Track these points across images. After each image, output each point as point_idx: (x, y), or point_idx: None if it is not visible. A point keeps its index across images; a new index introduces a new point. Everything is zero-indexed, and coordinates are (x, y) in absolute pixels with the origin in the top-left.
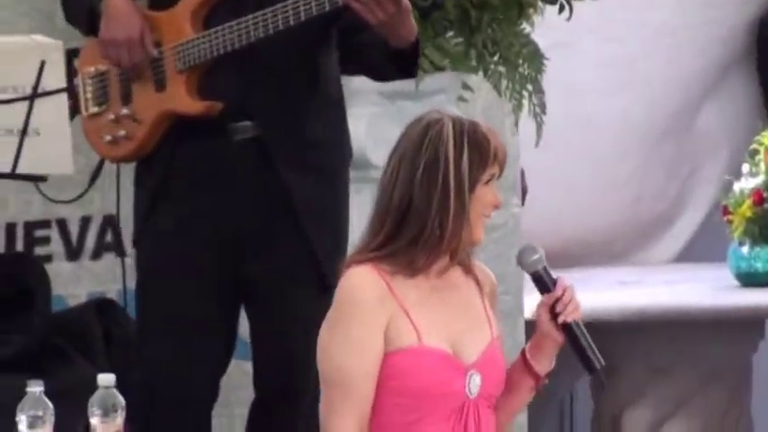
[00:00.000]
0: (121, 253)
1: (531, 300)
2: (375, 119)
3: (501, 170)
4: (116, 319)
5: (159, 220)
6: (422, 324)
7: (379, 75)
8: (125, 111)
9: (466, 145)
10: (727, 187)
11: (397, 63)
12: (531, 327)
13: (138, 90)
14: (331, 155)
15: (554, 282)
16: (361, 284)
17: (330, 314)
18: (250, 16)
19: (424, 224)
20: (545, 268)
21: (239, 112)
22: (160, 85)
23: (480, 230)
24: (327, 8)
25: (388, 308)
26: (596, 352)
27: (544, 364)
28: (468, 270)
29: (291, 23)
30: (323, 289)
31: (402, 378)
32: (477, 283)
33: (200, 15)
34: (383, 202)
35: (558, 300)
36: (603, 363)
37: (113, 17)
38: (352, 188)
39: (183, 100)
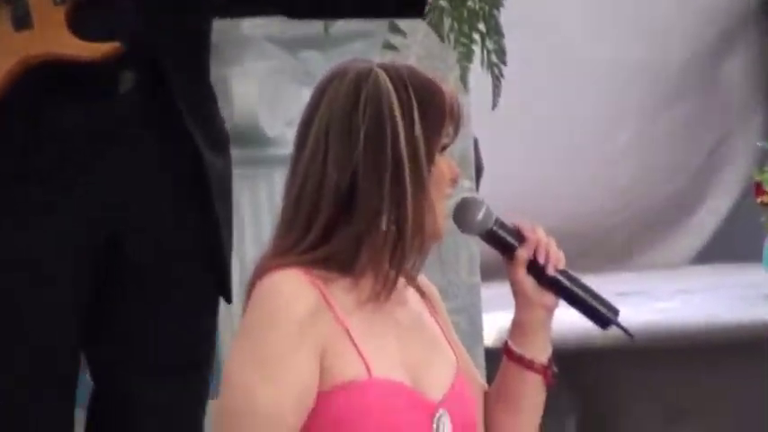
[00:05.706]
0: None
1: (492, 319)
2: (271, 76)
3: (456, 131)
4: None
5: (17, 212)
6: (369, 348)
7: (378, 10)
8: None
9: (414, 99)
10: (763, 159)
11: None
12: (492, 357)
13: None
14: (220, 118)
15: (517, 231)
16: (289, 293)
17: (241, 330)
18: None
19: (376, 213)
20: (497, 220)
21: (133, 57)
22: (22, 22)
23: (443, 216)
24: None
25: (324, 326)
26: (603, 298)
27: (542, 346)
28: (410, 279)
29: None
30: (220, 292)
31: (347, 425)
32: (423, 296)
33: None
34: (310, 190)
35: (536, 248)
36: (618, 309)
37: None
38: (239, 173)
39: (66, 40)
